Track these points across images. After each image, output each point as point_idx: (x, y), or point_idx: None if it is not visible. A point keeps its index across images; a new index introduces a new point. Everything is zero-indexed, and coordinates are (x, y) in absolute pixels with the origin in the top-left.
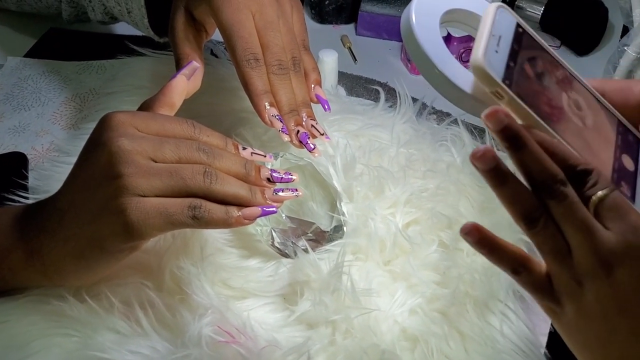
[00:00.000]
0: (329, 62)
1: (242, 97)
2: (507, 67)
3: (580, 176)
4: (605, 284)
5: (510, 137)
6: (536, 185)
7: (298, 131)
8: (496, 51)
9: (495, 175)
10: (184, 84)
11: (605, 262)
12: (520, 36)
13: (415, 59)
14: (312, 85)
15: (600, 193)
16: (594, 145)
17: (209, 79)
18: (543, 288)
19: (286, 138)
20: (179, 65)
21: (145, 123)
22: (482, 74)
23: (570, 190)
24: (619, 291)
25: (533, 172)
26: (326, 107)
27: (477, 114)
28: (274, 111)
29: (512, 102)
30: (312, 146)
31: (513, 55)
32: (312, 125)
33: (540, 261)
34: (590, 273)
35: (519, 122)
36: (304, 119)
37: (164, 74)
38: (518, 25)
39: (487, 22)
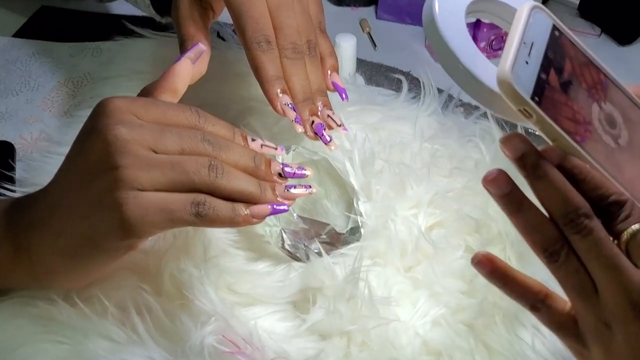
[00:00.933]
0: (347, 48)
1: (252, 83)
2: (538, 80)
3: (612, 208)
4: (637, 327)
5: (529, 166)
6: (557, 218)
7: (313, 122)
8: (526, 62)
9: (510, 201)
10: (189, 69)
11: (635, 304)
12: (556, 42)
13: (438, 52)
14: (329, 72)
15: (633, 227)
16: (636, 170)
17: (215, 64)
18: (567, 327)
19: (300, 129)
20: (183, 48)
21: (145, 110)
22: (508, 90)
23: (596, 224)
24: None
25: (553, 203)
26: (344, 96)
27: (506, 115)
28: (287, 99)
29: (542, 122)
30: (328, 138)
31: (546, 65)
32: (329, 116)
33: (563, 298)
34: (619, 315)
35: (550, 142)
36: (320, 108)
37: (166, 57)
38: (554, 28)
39: (519, 27)
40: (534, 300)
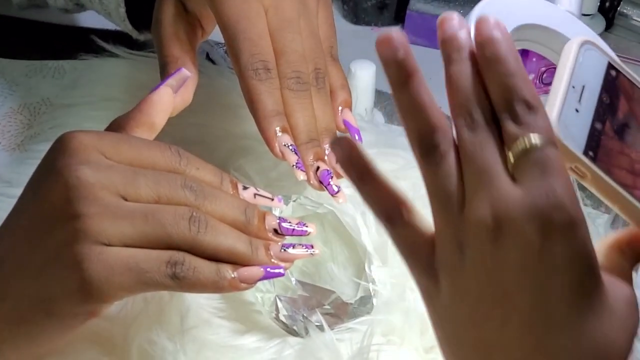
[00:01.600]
0: (364, 78)
1: (246, 118)
2: (592, 131)
3: (518, 108)
4: (488, 252)
5: (454, 48)
6: (453, 108)
7: (318, 168)
8: (577, 109)
9: (399, 71)
10: (169, 99)
11: (497, 222)
12: (612, 82)
13: None
14: (340, 108)
15: (532, 140)
16: None
17: (202, 93)
18: (420, 252)
19: (302, 176)
20: (164, 72)
21: (115, 148)
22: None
23: (488, 124)
24: (500, 266)
25: (457, 92)
26: (357, 137)
27: None
28: (288, 139)
29: (598, 181)
30: (336, 189)
31: (601, 112)
32: (338, 162)
33: (429, 221)
34: (475, 233)
35: (604, 200)
36: (327, 152)
37: (143, 82)
38: (610, 67)
39: (566, 69)
40: (391, 210)
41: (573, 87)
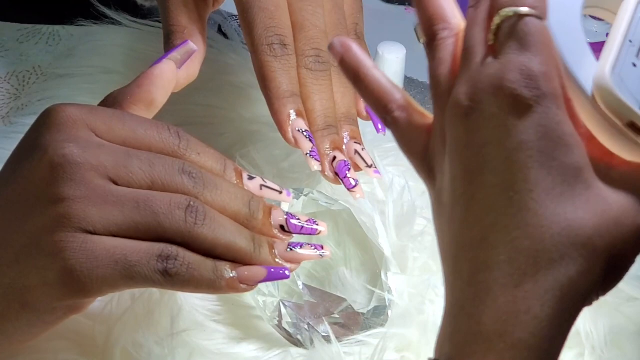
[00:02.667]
0: (393, 62)
1: (257, 100)
2: None
3: None
4: (461, 131)
5: None
6: None
7: (335, 158)
8: (634, 64)
9: None
10: (172, 74)
11: (470, 100)
12: None
13: None
14: None
15: (514, 10)
16: None
17: (210, 69)
18: (418, 149)
19: (316, 166)
20: (168, 43)
21: (107, 125)
22: (607, 98)
23: (482, 4)
24: (470, 143)
25: None
26: (380, 126)
27: (620, 150)
28: (302, 124)
29: None
30: (353, 182)
31: None
32: (357, 152)
33: (431, 117)
34: (451, 113)
35: None
36: (346, 141)
37: (146, 55)
38: None
39: (623, 23)
40: (390, 105)
41: (630, 41)
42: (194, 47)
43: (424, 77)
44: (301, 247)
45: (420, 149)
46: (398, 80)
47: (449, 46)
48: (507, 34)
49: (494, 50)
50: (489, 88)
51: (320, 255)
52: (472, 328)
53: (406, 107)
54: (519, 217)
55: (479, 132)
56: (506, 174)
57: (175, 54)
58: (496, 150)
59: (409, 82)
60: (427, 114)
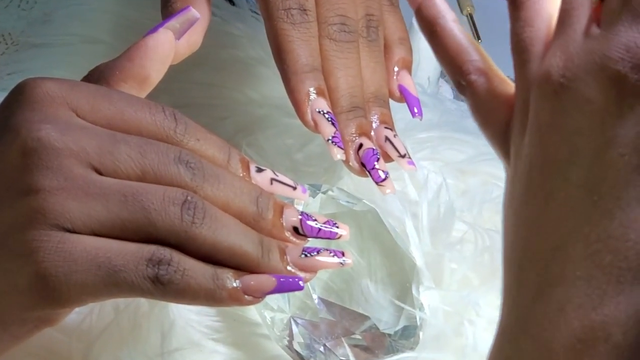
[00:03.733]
0: None
1: (269, 79)
2: None
3: None
4: (547, 111)
5: None
6: None
7: (361, 145)
8: None
9: None
10: (170, 46)
11: (562, 74)
12: None
13: None
14: (396, 69)
15: None
16: None
17: (212, 42)
18: (495, 122)
19: (339, 155)
20: (166, 10)
21: (91, 104)
22: None
23: None
24: (555, 128)
25: None
26: (416, 110)
27: None
28: (323, 104)
29: None
30: (383, 175)
31: None
32: (388, 139)
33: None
34: (539, 87)
35: None
36: (375, 125)
37: (136, 22)
38: None
39: None
40: (466, 65)
41: None
42: (197, 14)
43: None
44: (318, 253)
45: (499, 122)
46: (434, 58)
47: (542, 3)
48: (629, 6)
49: (599, 17)
50: (588, 65)
51: (341, 263)
52: (539, 355)
53: (485, 70)
54: (601, 226)
55: (570, 117)
56: (594, 172)
57: (174, 22)
58: (587, 141)
59: None
60: (510, 82)
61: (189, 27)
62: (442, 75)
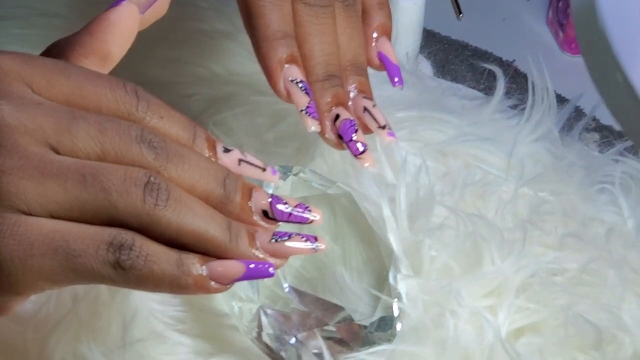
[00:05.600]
0: (409, 10)
1: (235, 52)
2: None
3: None
4: None
5: None
6: None
7: (338, 116)
8: None
9: None
10: (134, 20)
11: None
12: None
13: (585, 43)
14: (374, 35)
15: None
16: None
17: (175, 14)
18: None
19: (313, 126)
20: None
21: (47, 79)
22: None
23: None
24: None
25: None
26: (397, 79)
27: None
28: (297, 73)
29: None
30: (361, 148)
31: None
32: (366, 109)
33: None
34: None
35: None
36: (352, 94)
37: None
38: None
39: None
40: None
41: None
42: None
43: (446, 30)
44: (289, 237)
45: None
46: (415, 33)
47: None
48: None
49: None
50: None
51: (314, 249)
52: None
53: None
54: None
55: None
56: None
57: None
58: None
59: (427, 35)
60: None
61: (154, 1)
62: (421, 51)
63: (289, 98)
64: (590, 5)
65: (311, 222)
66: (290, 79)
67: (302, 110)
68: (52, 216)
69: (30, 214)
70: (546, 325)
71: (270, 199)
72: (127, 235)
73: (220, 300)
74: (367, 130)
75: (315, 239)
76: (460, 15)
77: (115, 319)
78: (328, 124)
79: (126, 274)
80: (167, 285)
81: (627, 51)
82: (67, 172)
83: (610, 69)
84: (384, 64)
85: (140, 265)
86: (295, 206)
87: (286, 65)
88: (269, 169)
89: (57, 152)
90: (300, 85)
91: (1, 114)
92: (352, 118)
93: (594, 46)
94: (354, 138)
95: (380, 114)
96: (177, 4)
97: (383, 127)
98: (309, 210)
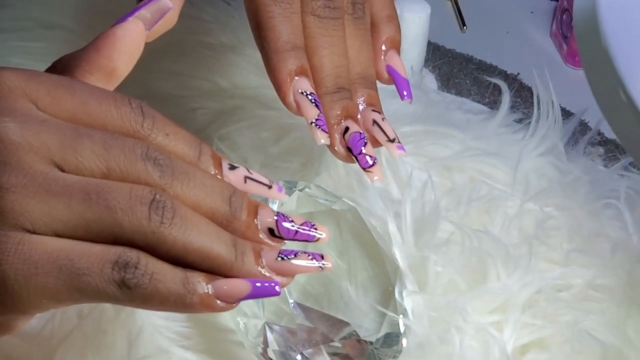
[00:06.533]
0: (414, 23)
1: (240, 66)
2: None
3: None
4: None
5: None
6: None
7: (347, 128)
8: None
9: None
10: (140, 36)
11: None
12: None
13: (587, 60)
14: (383, 48)
15: None
16: None
17: (180, 28)
18: None
19: (323, 139)
20: None
21: (52, 96)
22: None
23: None
24: None
25: None
26: (405, 93)
27: None
28: (306, 85)
29: None
30: (370, 161)
31: None
32: (375, 122)
33: None
34: None
35: None
36: (361, 107)
37: (103, 8)
38: None
39: None
40: None
41: None
42: (169, 4)
43: (451, 43)
44: (295, 256)
45: None
46: (420, 46)
47: None
48: None
49: None
50: None
51: (320, 267)
52: None
53: None
54: None
55: None
56: None
57: (145, 12)
58: None
59: (432, 48)
60: None
61: (160, 17)
62: (425, 64)
63: (298, 110)
64: (592, 23)
65: (317, 239)
66: (299, 91)
67: (311, 123)
68: (57, 234)
69: (34, 233)
70: (552, 341)
71: (276, 217)
72: (132, 254)
73: (226, 316)
74: (376, 143)
75: (322, 257)
76: (464, 27)
77: (120, 336)
78: (337, 136)
79: (131, 292)
80: (173, 303)
81: (630, 68)
82: (72, 190)
83: (612, 86)
84: (392, 77)
85: (146, 283)
86: (301, 224)
87: (296, 78)
88: (275, 186)
89: (62, 170)
90: (309, 97)
91: (5, 131)
92: (361, 131)
93: (596, 63)
94: (364, 151)
95: (390, 127)
96: (182, 17)
97: (392, 141)
98: (315, 229)
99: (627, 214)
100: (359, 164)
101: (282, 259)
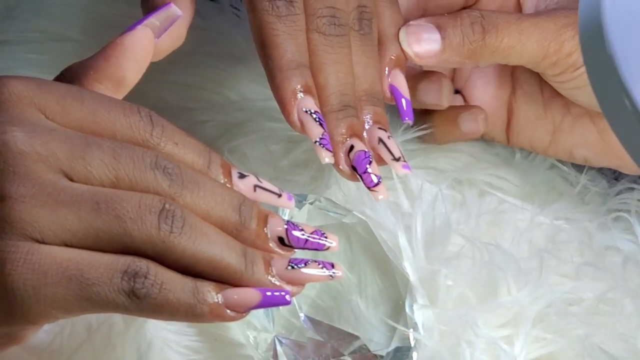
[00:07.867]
0: None
1: (250, 78)
2: None
3: None
4: None
5: None
6: None
7: (352, 147)
8: None
9: None
10: (149, 44)
11: None
12: None
13: (592, 69)
14: (387, 67)
15: None
16: None
17: (190, 39)
18: None
19: (327, 158)
20: (145, 7)
21: (61, 105)
22: None
23: None
24: None
25: None
26: (407, 116)
27: None
28: (311, 103)
29: None
30: (375, 180)
31: None
32: (381, 140)
33: None
34: None
35: None
36: (367, 125)
37: (109, 18)
38: None
39: None
40: None
41: None
42: (178, 12)
43: None
44: (306, 264)
45: None
46: None
47: None
48: None
49: None
50: None
51: (331, 275)
52: None
53: None
54: None
55: None
56: None
57: (154, 20)
58: None
59: None
60: None
61: (169, 25)
62: None
63: (302, 129)
64: (597, 30)
65: (327, 248)
66: (304, 109)
67: (315, 142)
68: (66, 244)
69: (43, 242)
70: (563, 355)
71: (286, 226)
72: (141, 263)
73: (236, 330)
74: (381, 161)
75: (332, 266)
76: None
77: (129, 349)
78: (342, 155)
79: (141, 302)
80: (183, 313)
81: (635, 76)
82: (81, 199)
83: (617, 94)
84: (394, 97)
85: (155, 293)
86: (311, 233)
87: (300, 96)
88: (284, 195)
89: (71, 179)
90: (314, 116)
91: (14, 140)
92: (366, 149)
93: (601, 71)
94: (368, 170)
95: (395, 146)
96: (191, 29)
97: (398, 160)
98: (325, 237)
99: (637, 227)
100: (364, 183)
101: (292, 267)
